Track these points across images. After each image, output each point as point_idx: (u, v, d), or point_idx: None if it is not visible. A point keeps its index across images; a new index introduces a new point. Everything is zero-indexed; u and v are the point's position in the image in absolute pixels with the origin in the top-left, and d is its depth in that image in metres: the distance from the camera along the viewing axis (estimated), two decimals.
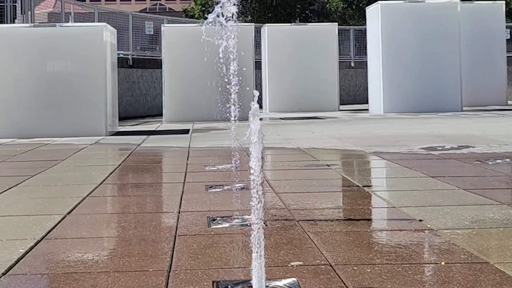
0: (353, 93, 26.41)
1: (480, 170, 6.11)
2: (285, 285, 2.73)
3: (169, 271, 2.95)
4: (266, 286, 2.62)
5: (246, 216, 3.99)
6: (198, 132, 11.97)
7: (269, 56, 19.04)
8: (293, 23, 23.42)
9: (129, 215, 4.41)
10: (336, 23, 20.53)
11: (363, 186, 5.28)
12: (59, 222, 4.08)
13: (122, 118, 15.29)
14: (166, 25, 17.30)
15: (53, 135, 11.02)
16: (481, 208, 4.24)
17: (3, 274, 2.98)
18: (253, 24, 16.20)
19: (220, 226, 3.84)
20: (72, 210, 4.48)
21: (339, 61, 19.82)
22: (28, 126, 11.22)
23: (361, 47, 25.54)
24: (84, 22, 18.44)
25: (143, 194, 5.40)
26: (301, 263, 3.03)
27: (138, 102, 20.42)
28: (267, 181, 5.56)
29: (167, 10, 67.75)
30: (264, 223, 2.83)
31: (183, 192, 5.16)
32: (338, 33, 19.69)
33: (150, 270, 2.99)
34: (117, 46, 14.05)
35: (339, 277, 2.81)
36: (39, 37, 11.55)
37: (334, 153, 8.22)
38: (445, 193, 4.87)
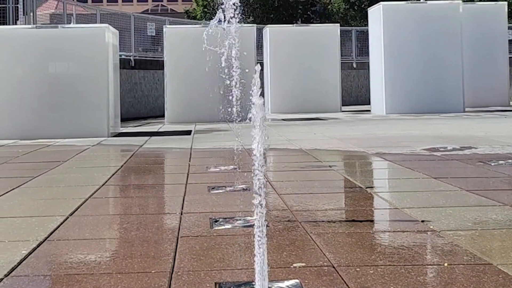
0: (355, 94, 26.41)
1: (482, 171, 6.10)
2: (287, 286, 2.73)
3: (172, 273, 2.95)
4: (269, 287, 2.62)
5: (249, 217, 3.99)
6: (200, 133, 11.96)
7: (271, 57, 19.04)
8: (295, 24, 23.38)
9: (132, 217, 4.41)
10: (338, 24, 20.55)
11: (365, 188, 5.28)
12: (62, 223, 4.08)
13: (124, 120, 15.28)
14: (168, 26, 17.30)
15: (55, 136, 11.02)
16: (483, 209, 4.23)
17: (6, 275, 2.98)
18: (255, 25, 16.19)
19: (223, 227, 3.84)
20: (74, 211, 4.48)
21: (341, 62, 19.82)
22: (30, 127, 11.22)
23: (363, 48, 25.57)
24: (86, 23, 18.46)
25: (145, 195, 5.40)
26: (303, 264, 3.03)
27: (140, 103, 20.43)
28: (269, 182, 5.55)
29: (169, 11, 67.72)
30: (266, 224, 2.83)
31: (185, 193, 5.16)
32: (340, 34, 19.70)
33: (153, 271, 2.98)
34: (119, 47, 14.08)
35: (342, 278, 2.80)
36: (41, 38, 11.55)
37: (336, 154, 8.22)
38: (448, 194, 4.86)
